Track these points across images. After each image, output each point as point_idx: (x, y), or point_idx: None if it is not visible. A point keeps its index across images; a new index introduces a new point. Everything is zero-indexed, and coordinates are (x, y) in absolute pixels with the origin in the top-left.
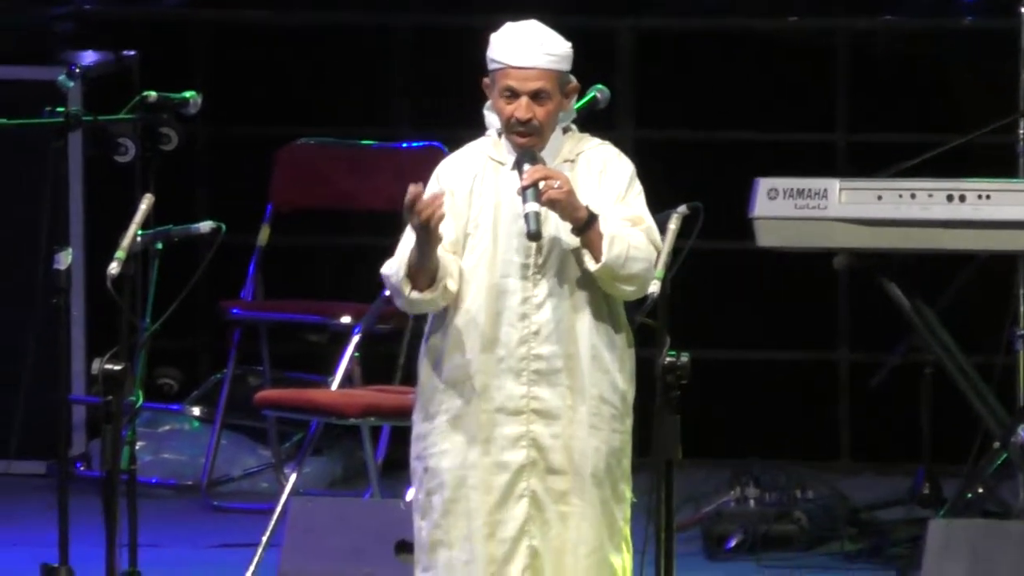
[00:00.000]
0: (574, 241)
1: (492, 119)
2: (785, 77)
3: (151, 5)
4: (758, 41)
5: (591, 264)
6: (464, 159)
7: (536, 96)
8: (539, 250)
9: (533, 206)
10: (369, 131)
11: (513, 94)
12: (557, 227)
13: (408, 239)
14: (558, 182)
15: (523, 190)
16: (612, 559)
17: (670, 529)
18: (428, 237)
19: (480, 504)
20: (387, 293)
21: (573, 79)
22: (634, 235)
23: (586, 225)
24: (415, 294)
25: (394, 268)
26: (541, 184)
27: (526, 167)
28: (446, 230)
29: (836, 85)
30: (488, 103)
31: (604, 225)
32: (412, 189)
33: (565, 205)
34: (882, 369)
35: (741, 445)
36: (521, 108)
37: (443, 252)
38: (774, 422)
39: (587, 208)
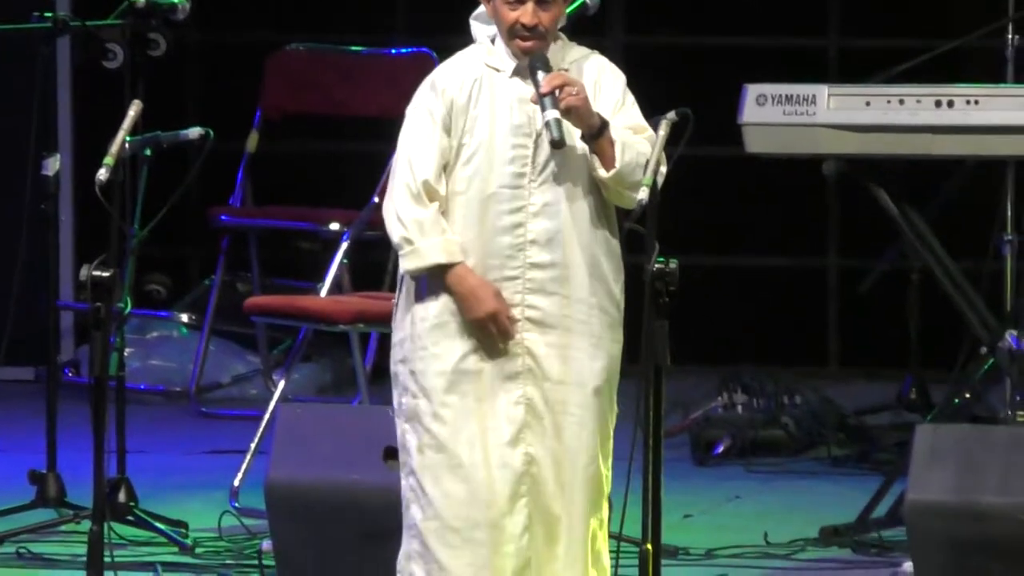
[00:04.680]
0: (579, 147)
1: (480, 30)
2: None
3: None
4: None
5: (602, 172)
6: (461, 65)
7: (542, 1)
8: (535, 158)
9: (553, 113)
10: (362, 37)
11: (518, 0)
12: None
13: (408, 167)
14: (575, 88)
15: (541, 97)
16: (603, 468)
17: (658, 435)
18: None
19: (474, 409)
20: (376, 200)
21: None
22: (640, 143)
23: (599, 132)
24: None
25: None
26: (557, 91)
27: (542, 75)
28: (442, 149)
29: None
30: (476, 12)
31: (614, 132)
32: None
33: (582, 112)
34: (870, 275)
35: (729, 352)
36: (527, 14)
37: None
38: (762, 328)
39: (599, 115)
